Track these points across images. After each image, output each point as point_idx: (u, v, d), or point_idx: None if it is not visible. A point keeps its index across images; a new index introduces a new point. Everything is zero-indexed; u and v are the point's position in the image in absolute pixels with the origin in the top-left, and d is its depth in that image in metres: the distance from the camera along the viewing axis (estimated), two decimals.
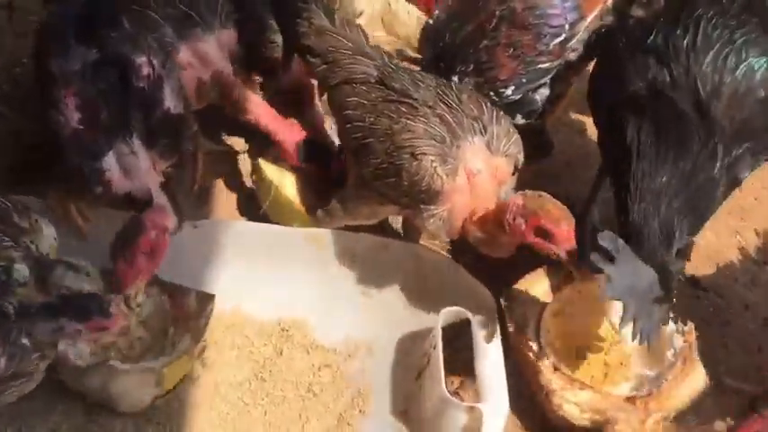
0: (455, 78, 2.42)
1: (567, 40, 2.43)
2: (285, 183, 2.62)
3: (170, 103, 2.25)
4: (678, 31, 2.18)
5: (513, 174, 2.27)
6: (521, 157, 2.24)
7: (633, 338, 1.98)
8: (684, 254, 2.12)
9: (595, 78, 2.46)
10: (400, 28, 3.08)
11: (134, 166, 2.18)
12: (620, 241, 1.97)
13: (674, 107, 2.12)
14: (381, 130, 2.19)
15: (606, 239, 1.96)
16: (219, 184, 2.86)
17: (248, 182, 2.82)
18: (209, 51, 2.53)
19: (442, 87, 2.24)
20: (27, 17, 3.16)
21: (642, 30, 2.27)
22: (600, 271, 1.96)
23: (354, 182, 2.32)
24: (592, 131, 3.08)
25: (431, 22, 2.58)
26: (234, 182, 2.86)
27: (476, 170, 2.16)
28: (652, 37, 2.21)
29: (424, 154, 2.12)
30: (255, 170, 2.69)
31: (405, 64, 2.44)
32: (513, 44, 2.39)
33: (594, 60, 2.51)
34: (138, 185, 2.18)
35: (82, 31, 2.24)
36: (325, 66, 2.37)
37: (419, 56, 2.98)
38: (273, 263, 2.44)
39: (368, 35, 2.44)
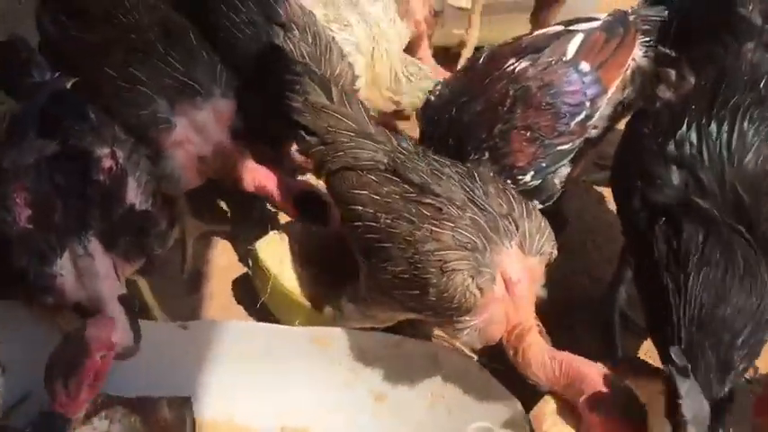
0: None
1: (588, 117, 2.20)
2: (285, 272, 2.37)
3: (134, 199, 2.03)
4: (711, 126, 1.97)
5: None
6: (554, 254, 2.01)
7: None
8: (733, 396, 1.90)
9: (619, 169, 2.24)
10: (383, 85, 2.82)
11: (89, 271, 1.93)
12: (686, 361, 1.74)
13: (715, 221, 1.92)
14: (401, 236, 1.92)
15: (678, 355, 1.73)
16: (212, 270, 2.65)
17: (244, 266, 2.59)
18: (208, 123, 2.31)
19: (466, 181, 1.99)
20: None
21: (670, 117, 2.06)
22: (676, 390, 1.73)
23: (368, 284, 2.07)
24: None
25: (432, 98, 2.35)
26: (229, 267, 2.65)
27: (515, 278, 1.92)
28: (683, 130, 1.99)
29: (456, 270, 1.86)
30: (252, 257, 2.44)
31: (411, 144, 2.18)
32: (531, 127, 2.16)
33: (618, 146, 2.28)
34: (91, 294, 1.93)
35: (45, 124, 2.03)
36: (322, 147, 2.13)
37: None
38: (274, 366, 2.19)
39: (369, 111, 2.22)
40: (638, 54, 2.28)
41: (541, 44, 2.24)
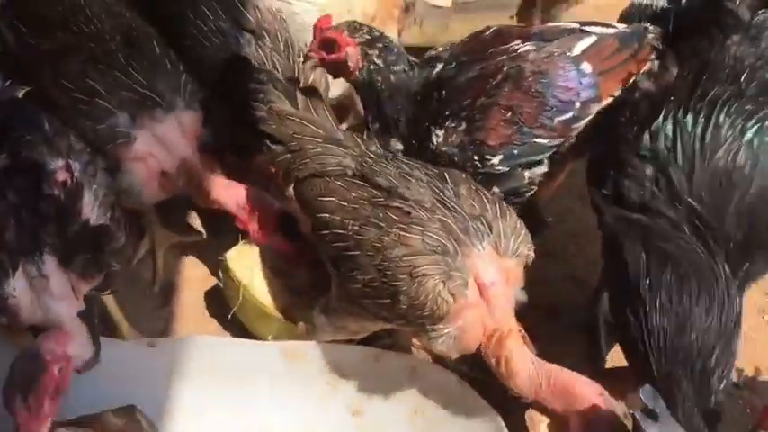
0: (440, 133, 2.10)
1: (574, 119, 2.11)
2: (255, 283, 2.29)
3: (90, 214, 1.93)
4: (687, 117, 1.90)
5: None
6: (531, 255, 1.93)
7: None
8: (715, 417, 1.82)
9: (594, 157, 2.16)
10: None
11: (45, 292, 1.84)
12: (662, 402, 1.63)
13: (680, 235, 1.84)
14: (369, 242, 1.85)
15: (649, 396, 1.63)
16: (184, 281, 2.56)
17: (217, 278, 2.46)
18: (172, 136, 2.22)
19: (435, 182, 1.92)
20: None
21: (649, 107, 1.99)
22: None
23: (338, 294, 1.99)
24: None
25: (433, 53, 2.24)
26: (201, 278, 2.55)
27: (489, 282, 1.84)
28: (659, 121, 1.92)
29: (426, 275, 1.79)
30: (222, 267, 2.35)
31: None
32: (513, 109, 2.07)
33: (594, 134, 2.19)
34: (47, 316, 1.84)
35: None
36: (289, 155, 2.06)
37: None
38: (245, 383, 2.11)
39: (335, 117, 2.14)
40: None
41: (551, 35, 2.15)
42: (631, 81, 2.14)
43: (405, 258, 1.80)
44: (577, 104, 2.11)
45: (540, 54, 2.11)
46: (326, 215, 1.94)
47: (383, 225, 1.84)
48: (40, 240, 1.85)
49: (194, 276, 2.57)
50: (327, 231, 1.93)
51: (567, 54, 2.12)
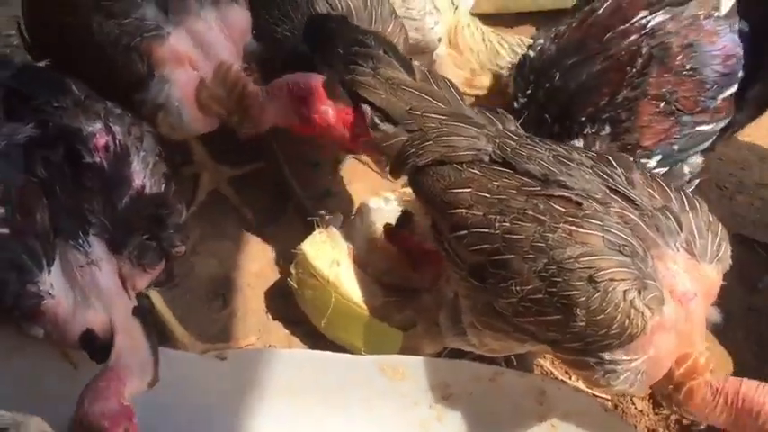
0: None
1: None
2: (344, 280, 1.91)
3: (142, 180, 1.57)
4: None
5: None
6: (729, 261, 1.54)
7: None
8: None
9: None
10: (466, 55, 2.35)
11: (95, 286, 1.47)
12: None
13: None
14: (527, 242, 1.46)
15: None
16: (243, 277, 2.17)
17: (279, 272, 2.14)
18: (211, 35, 1.83)
19: (602, 167, 1.54)
20: None
21: None
22: None
23: (474, 306, 1.60)
24: None
25: (532, 54, 1.94)
26: (261, 273, 2.18)
27: (690, 294, 1.46)
28: None
29: (614, 281, 1.40)
30: (299, 261, 1.97)
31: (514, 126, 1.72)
32: (665, 97, 1.77)
33: None
34: (99, 319, 1.46)
35: (13, 106, 1.60)
36: (403, 137, 1.66)
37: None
38: (331, 404, 1.77)
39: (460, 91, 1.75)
40: None
41: None
42: None
43: (582, 260, 1.42)
44: (741, 74, 1.81)
45: (680, 22, 1.81)
46: (462, 211, 1.55)
47: (545, 219, 1.46)
48: (85, 220, 1.49)
49: (253, 270, 2.19)
50: (465, 232, 1.54)
51: (714, 14, 1.81)
